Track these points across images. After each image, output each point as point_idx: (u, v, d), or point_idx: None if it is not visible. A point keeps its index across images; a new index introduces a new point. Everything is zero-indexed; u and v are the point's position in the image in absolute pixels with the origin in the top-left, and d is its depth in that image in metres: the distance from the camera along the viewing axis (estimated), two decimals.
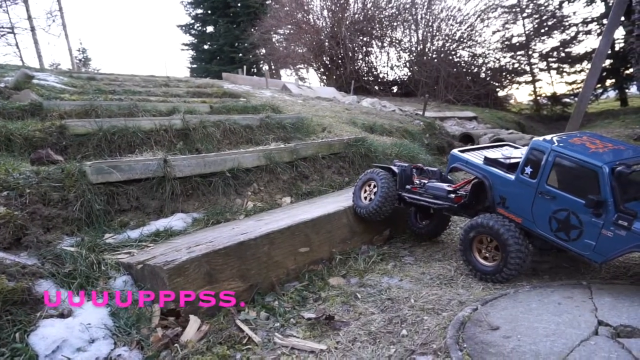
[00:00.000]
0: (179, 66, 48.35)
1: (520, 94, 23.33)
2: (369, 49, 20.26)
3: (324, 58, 20.31)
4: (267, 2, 24.94)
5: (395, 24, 19.87)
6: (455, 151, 3.18)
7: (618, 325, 1.99)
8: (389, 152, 5.86)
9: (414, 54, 20.05)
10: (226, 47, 25.03)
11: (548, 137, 2.62)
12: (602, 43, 6.59)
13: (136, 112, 6.44)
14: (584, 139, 2.57)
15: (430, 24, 19.28)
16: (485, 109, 17.53)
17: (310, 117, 7.15)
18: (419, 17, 19.06)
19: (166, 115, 6.52)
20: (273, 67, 26.27)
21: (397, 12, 19.57)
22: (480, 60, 19.96)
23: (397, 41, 20.06)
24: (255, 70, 26.76)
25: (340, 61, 20.10)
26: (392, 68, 22.75)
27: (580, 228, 2.34)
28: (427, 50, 19.42)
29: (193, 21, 27.10)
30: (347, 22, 19.15)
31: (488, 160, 2.85)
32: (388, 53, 20.95)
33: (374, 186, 3.54)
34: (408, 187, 3.42)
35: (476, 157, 3.00)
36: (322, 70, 21.15)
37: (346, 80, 18.81)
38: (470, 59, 20.01)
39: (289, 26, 21.89)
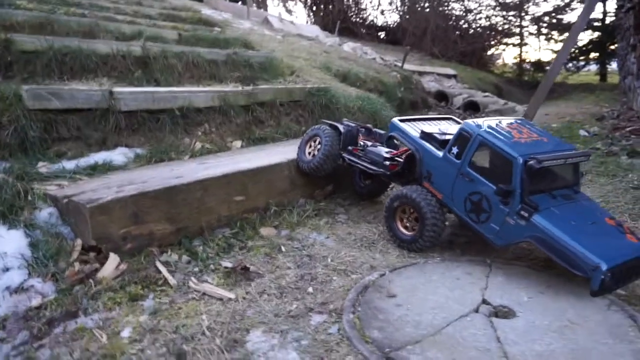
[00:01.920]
0: None
1: (505, 56, 23.03)
2: None
3: None
4: None
5: None
6: (395, 120, 3.21)
7: (498, 305, 2.17)
8: (351, 105, 5.84)
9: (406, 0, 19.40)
10: None
11: (480, 120, 2.68)
12: (580, 17, 6.52)
13: (97, 32, 6.14)
14: (514, 126, 2.64)
15: None
16: (467, 67, 17.37)
17: (280, 58, 6.97)
18: None
19: (130, 39, 6.24)
20: None
21: None
22: (471, 17, 19.49)
23: None
24: None
25: None
26: (382, 13, 22.05)
27: (489, 213, 2.47)
28: None
29: None
30: None
31: (423, 134, 2.91)
32: None
33: (319, 143, 3.58)
34: (350, 148, 3.47)
35: (414, 129, 3.05)
36: (309, 5, 20.31)
37: (333, 20, 18.15)
38: (462, 13, 19.49)
39: None
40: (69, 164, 3.22)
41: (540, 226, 2.24)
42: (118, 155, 3.54)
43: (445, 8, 19.37)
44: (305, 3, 20.32)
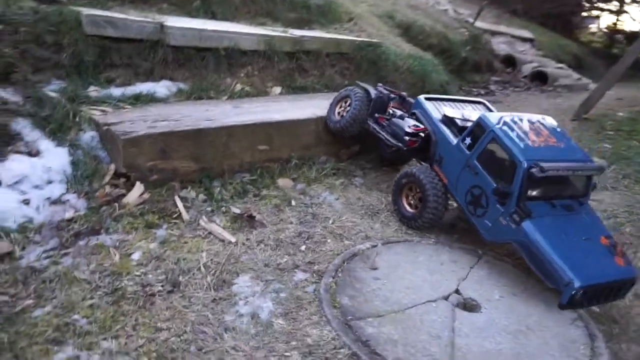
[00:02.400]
0: None
1: (600, 23, 20.93)
2: None
3: None
4: None
5: None
6: (421, 97, 3.21)
7: (468, 297, 2.31)
8: (401, 64, 5.74)
9: None
10: None
11: (501, 114, 2.66)
12: None
13: None
14: (534, 127, 2.60)
15: None
16: (548, 31, 16.04)
17: (340, 2, 6.82)
18: None
19: None
20: None
21: None
22: None
23: None
24: None
25: None
26: None
27: (486, 209, 2.53)
28: None
29: None
30: None
31: (445, 117, 2.93)
32: None
33: (349, 105, 3.65)
34: (377, 115, 3.53)
35: (437, 110, 3.06)
36: None
37: None
38: None
39: None
40: (117, 91, 3.51)
41: (527, 233, 2.30)
42: (162, 87, 3.79)
43: None
44: None
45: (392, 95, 3.69)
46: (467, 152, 2.65)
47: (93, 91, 3.41)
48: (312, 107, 3.99)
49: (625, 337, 2.20)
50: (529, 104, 8.13)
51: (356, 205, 3.24)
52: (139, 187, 2.80)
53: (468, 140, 2.66)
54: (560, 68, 12.00)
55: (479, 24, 11.70)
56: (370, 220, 3.07)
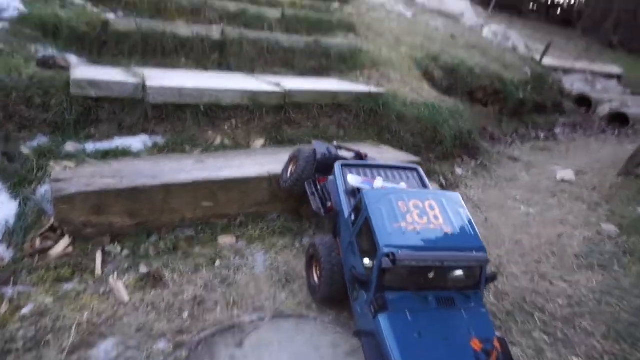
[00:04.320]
0: None
1: None
2: None
3: None
4: None
5: None
6: (337, 163, 3.09)
7: None
8: (408, 114, 5.56)
9: None
10: None
11: (387, 190, 2.47)
12: None
13: (203, 9, 6.84)
14: (424, 206, 2.37)
15: None
16: None
17: (364, 50, 6.85)
18: None
19: (233, 17, 6.84)
20: None
21: None
22: None
23: None
24: None
25: None
26: None
27: (358, 293, 2.35)
28: None
29: None
30: None
31: (347, 186, 2.80)
32: None
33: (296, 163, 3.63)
34: (317, 175, 3.46)
35: (352, 178, 2.92)
36: None
37: None
38: None
39: None
40: (91, 147, 3.90)
41: (379, 327, 2.09)
42: (137, 142, 4.12)
43: None
44: None
45: (344, 155, 3.60)
46: (352, 227, 2.50)
47: (70, 146, 3.83)
48: (279, 162, 4.02)
49: None
50: (583, 152, 7.33)
51: (278, 271, 3.19)
52: (65, 241, 3.07)
53: (353, 217, 2.51)
54: None
55: (548, 60, 10.90)
56: (280, 289, 3.00)
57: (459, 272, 2.25)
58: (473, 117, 6.80)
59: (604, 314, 2.87)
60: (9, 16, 4.86)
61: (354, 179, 2.88)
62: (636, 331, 2.69)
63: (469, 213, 2.46)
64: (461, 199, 2.54)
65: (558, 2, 17.76)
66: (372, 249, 2.27)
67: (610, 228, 4.07)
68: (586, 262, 3.49)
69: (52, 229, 3.16)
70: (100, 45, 5.22)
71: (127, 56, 5.29)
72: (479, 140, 6.41)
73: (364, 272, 2.27)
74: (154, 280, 2.93)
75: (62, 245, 3.05)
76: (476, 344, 2.07)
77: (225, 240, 3.51)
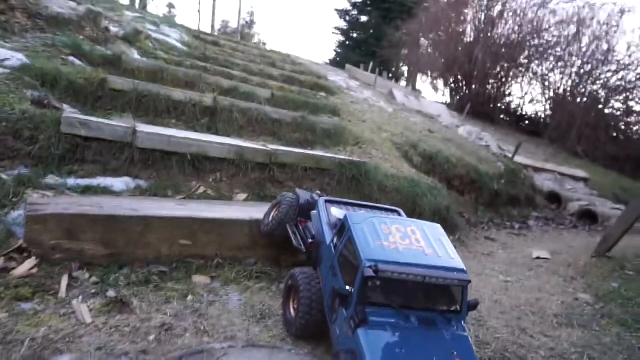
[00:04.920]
0: (328, 49, 50.55)
1: None
2: (507, 76, 18.84)
3: (457, 72, 19.47)
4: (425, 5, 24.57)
5: (545, 55, 18.11)
6: (320, 199, 3.15)
7: None
8: (389, 185, 5.73)
9: (557, 92, 18.13)
10: (371, 40, 25.57)
11: (370, 215, 2.51)
12: None
13: (198, 83, 7.23)
14: (405, 230, 2.40)
15: (585, 62, 17.15)
16: (613, 173, 15.25)
17: (348, 128, 7.23)
18: (573, 53, 17.05)
19: (225, 92, 7.21)
20: (412, 69, 26.01)
21: (550, 43, 17.78)
22: (634, 119, 17.23)
23: (540, 75, 18.30)
24: (394, 69, 26.80)
25: (471, 80, 19.11)
26: (531, 102, 20.95)
27: (337, 314, 2.26)
28: (571, 92, 17.39)
29: (351, 8, 28.07)
30: (490, 43, 18.03)
31: (331, 219, 2.82)
32: (528, 84, 19.24)
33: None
34: (299, 219, 3.48)
35: (336, 212, 2.96)
36: (451, 85, 20.36)
37: (472, 102, 17.87)
38: (622, 114, 17.39)
39: (440, 32, 21.27)
40: (72, 181, 3.88)
41: (358, 341, 1.99)
42: (120, 183, 4.12)
43: (603, 106, 17.52)
44: (446, 83, 20.44)
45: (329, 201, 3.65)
46: (333, 252, 2.48)
47: (50, 179, 3.80)
48: (260, 212, 4.03)
49: None
50: (557, 240, 7.50)
51: (253, 308, 3.05)
52: (30, 262, 2.93)
53: (335, 240, 2.51)
54: (617, 209, 11.12)
55: (520, 159, 11.56)
56: (254, 323, 2.85)
57: (444, 294, 2.21)
58: (451, 208, 7.00)
59: None
60: (10, 65, 5.07)
61: (337, 212, 2.91)
62: None
63: (450, 242, 2.48)
64: (442, 230, 2.58)
65: (527, 113, 19.36)
66: (353, 267, 2.24)
67: (587, 297, 4.07)
68: (566, 320, 3.44)
69: (20, 250, 3.02)
70: (95, 99, 5.41)
71: (120, 112, 5.47)
72: (457, 218, 6.55)
73: (345, 288, 2.22)
74: (121, 305, 2.77)
75: (27, 266, 2.90)
76: None
77: (200, 279, 3.39)
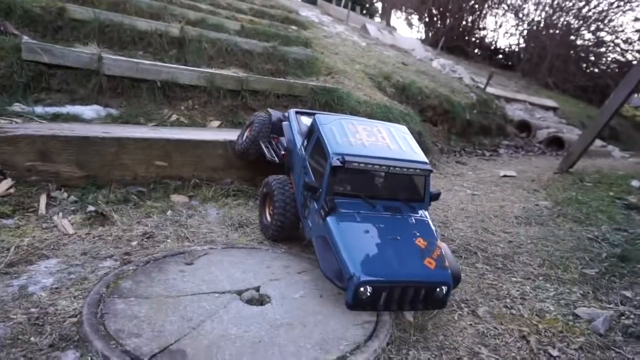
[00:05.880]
0: None
1: None
2: (482, 8, 18.59)
3: (431, 6, 19.09)
4: None
5: None
6: (291, 110, 3.22)
7: (265, 294, 2.14)
8: (361, 110, 5.80)
9: (531, 24, 18.06)
10: None
11: (338, 117, 2.61)
12: None
13: (163, 14, 6.95)
14: (371, 130, 2.51)
15: None
16: (581, 103, 15.63)
17: (320, 58, 7.16)
18: None
19: (193, 24, 6.96)
20: (386, 5, 25.33)
21: None
22: (603, 50, 17.42)
23: (515, 6, 18.12)
24: (367, 6, 26.05)
25: (446, 13, 18.81)
26: (504, 35, 20.83)
27: (309, 208, 2.41)
28: (545, 23, 17.34)
29: None
30: None
31: (301, 127, 2.91)
32: (502, 16, 19.07)
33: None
34: (273, 135, 3.55)
35: (303, 121, 3.05)
36: (426, 20, 20.02)
37: (446, 36, 17.68)
38: (592, 45, 17.53)
39: None
40: (39, 109, 3.82)
41: (328, 226, 2.15)
42: (90, 111, 4.08)
43: (574, 37, 17.60)
44: (420, 18, 20.08)
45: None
46: (303, 153, 2.59)
47: (17, 107, 3.74)
48: (234, 135, 4.08)
49: (421, 344, 1.91)
50: (524, 163, 7.81)
51: (231, 219, 3.19)
52: (7, 182, 2.96)
53: (305, 143, 2.61)
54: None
55: (492, 90, 11.70)
56: (233, 230, 2.99)
57: (407, 183, 2.36)
58: (424, 133, 7.14)
59: (540, 251, 3.04)
60: None
61: (307, 120, 2.99)
62: (568, 261, 2.87)
63: (415, 140, 2.61)
64: (408, 130, 2.70)
65: (500, 47, 19.34)
66: (323, 165, 2.35)
67: (546, 203, 4.35)
68: (525, 220, 3.70)
69: None
70: (55, 29, 5.20)
71: (82, 43, 5.28)
72: (429, 143, 6.73)
73: (314, 181, 2.34)
74: (102, 218, 2.85)
75: (4, 186, 2.93)
76: (421, 242, 2.16)
77: (178, 198, 3.48)
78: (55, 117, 3.80)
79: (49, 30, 5.10)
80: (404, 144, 2.49)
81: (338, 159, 2.19)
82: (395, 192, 2.37)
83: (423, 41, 17.84)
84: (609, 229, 3.44)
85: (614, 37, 17.08)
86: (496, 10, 18.62)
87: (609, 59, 17.60)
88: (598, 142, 11.14)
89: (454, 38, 17.73)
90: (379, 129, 2.54)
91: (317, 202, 2.30)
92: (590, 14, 16.81)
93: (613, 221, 3.65)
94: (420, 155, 2.45)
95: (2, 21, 4.24)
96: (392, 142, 2.46)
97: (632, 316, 2.20)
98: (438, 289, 2.01)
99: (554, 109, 12.78)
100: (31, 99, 3.89)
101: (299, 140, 2.83)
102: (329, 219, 2.17)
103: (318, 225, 2.26)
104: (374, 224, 2.17)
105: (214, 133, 4.02)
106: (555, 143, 10.54)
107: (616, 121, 15.42)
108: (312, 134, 2.53)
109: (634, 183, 5.44)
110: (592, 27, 17.02)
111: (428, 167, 2.36)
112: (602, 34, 17.05)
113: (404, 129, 2.67)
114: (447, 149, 8.59)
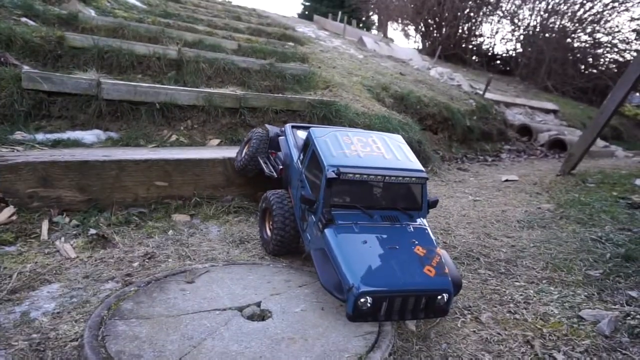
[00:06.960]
0: (296, 2, 49.11)
1: None
2: (477, 15, 18.74)
3: (426, 17, 19.28)
4: None
5: None
6: (287, 125, 3.25)
7: (266, 309, 2.14)
8: (360, 122, 5.84)
9: (527, 29, 18.17)
10: None
11: (333, 129, 2.63)
12: None
13: (161, 38, 7.07)
14: (366, 141, 2.53)
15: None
16: (582, 105, 15.62)
17: (317, 73, 7.23)
18: None
19: (190, 45, 7.07)
20: (382, 17, 25.58)
21: None
22: (600, 51, 17.45)
23: (510, 12, 18.25)
24: (363, 19, 26.33)
25: (441, 23, 18.97)
26: (501, 41, 20.98)
27: (307, 221, 2.41)
28: (540, 27, 17.43)
29: None
30: None
31: (297, 141, 2.93)
32: (498, 22, 19.19)
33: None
34: (270, 151, 3.57)
35: (299, 134, 3.07)
36: (422, 30, 20.20)
37: (443, 45, 17.81)
38: (590, 47, 17.58)
39: None
40: (41, 137, 3.88)
41: (326, 238, 2.15)
42: (90, 135, 4.13)
43: (571, 39, 17.67)
44: (417, 29, 20.26)
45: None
46: (300, 166, 2.61)
47: (18, 135, 3.80)
48: (233, 153, 4.11)
49: (424, 353, 1.90)
50: (527, 167, 7.79)
51: (232, 236, 3.20)
52: (9, 210, 2.99)
53: (301, 156, 2.63)
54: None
55: (491, 95, 11.74)
56: (234, 247, 3.00)
57: (404, 192, 2.36)
58: (424, 142, 7.16)
59: (544, 254, 3.02)
60: None
61: (303, 134, 3.01)
62: (571, 263, 2.84)
63: (410, 149, 2.62)
64: (403, 139, 2.71)
65: (497, 53, 19.44)
66: (319, 177, 2.37)
67: (549, 206, 4.33)
68: (527, 224, 3.68)
69: None
70: (55, 58, 5.30)
71: (82, 69, 5.38)
72: (429, 151, 6.74)
73: (311, 194, 2.36)
74: (104, 241, 2.87)
75: (6, 213, 2.96)
76: (420, 250, 2.15)
77: (180, 217, 3.50)
78: (57, 144, 3.85)
79: (50, 59, 5.19)
80: (399, 152, 2.50)
81: (333, 171, 2.20)
82: (392, 201, 2.37)
83: (420, 51, 17.97)
84: (612, 229, 3.42)
85: (610, 37, 17.12)
86: (492, 17, 18.75)
87: (607, 59, 17.63)
88: (601, 143, 11.13)
89: (451, 46, 17.86)
90: (373, 139, 2.56)
91: (315, 214, 2.30)
92: (585, 16, 16.89)
93: (617, 221, 3.63)
94: (416, 164, 2.46)
95: (3, 52, 4.32)
96: (387, 151, 2.47)
97: (638, 316, 2.18)
98: (439, 297, 2.00)
99: (554, 112, 12.78)
100: (32, 127, 3.95)
101: (295, 154, 2.85)
102: (326, 231, 2.17)
103: (316, 238, 2.27)
104: (372, 234, 2.18)
105: (214, 151, 4.06)
106: (558, 145, 10.53)
107: (618, 121, 15.41)
108: (308, 147, 2.55)
109: (638, 182, 5.40)
110: (589, 29, 17.09)
111: (424, 174, 2.36)
112: (598, 35, 17.09)
113: (398, 138, 2.69)
114: (448, 156, 8.59)
